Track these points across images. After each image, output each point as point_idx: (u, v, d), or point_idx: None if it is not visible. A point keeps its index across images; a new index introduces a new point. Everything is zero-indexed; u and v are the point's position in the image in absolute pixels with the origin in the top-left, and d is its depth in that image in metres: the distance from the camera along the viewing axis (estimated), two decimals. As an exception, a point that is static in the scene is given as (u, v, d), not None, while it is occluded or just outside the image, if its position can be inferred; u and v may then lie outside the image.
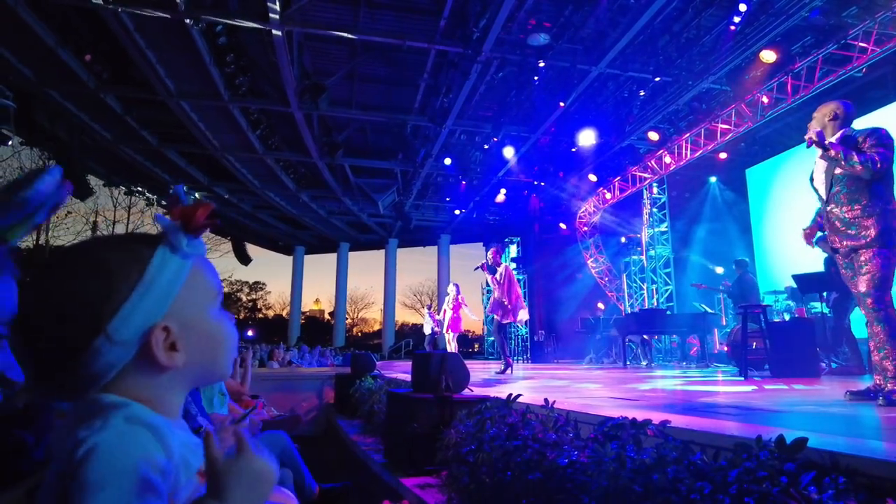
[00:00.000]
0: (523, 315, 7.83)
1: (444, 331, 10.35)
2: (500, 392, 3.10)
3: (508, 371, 7.55)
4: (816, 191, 3.57)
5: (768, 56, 8.84)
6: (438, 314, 10.47)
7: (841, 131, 3.42)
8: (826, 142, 3.34)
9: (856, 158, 3.19)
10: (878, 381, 3.17)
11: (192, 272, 0.81)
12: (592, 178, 14.74)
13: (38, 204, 1.66)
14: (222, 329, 0.85)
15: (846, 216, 3.30)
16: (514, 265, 18.85)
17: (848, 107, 3.49)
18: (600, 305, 15.75)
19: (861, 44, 8.07)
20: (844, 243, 3.30)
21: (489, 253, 8.02)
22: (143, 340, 0.75)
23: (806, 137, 3.42)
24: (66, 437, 0.71)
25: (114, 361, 0.74)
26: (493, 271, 7.86)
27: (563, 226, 17.43)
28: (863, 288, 3.15)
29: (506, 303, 7.68)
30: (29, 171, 1.81)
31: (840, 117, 3.45)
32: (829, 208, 3.42)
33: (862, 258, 3.20)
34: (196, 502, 0.73)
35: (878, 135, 3.25)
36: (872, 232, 3.16)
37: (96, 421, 0.71)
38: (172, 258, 0.78)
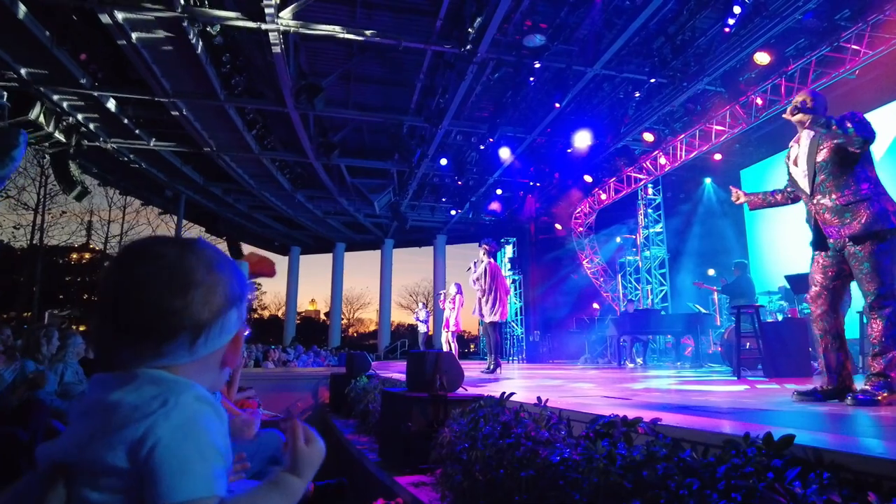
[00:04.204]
0: (495, 316, 7.64)
1: (443, 329, 10.31)
2: (494, 391, 3.12)
3: (498, 371, 7.52)
4: (796, 182, 3.45)
5: (762, 58, 8.90)
6: (445, 311, 10.34)
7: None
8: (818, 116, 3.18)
9: (849, 125, 3.01)
10: (823, 383, 3.24)
11: None
12: (588, 178, 14.79)
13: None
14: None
15: (838, 203, 3.15)
16: (509, 265, 18.88)
17: (822, 96, 3.40)
18: (595, 306, 15.80)
19: (854, 46, 8.14)
20: (841, 232, 3.13)
21: (480, 249, 7.94)
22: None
23: (789, 110, 3.28)
24: (125, 408, 0.78)
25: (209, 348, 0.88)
26: (482, 268, 7.79)
27: (558, 226, 17.49)
28: (866, 287, 3.05)
29: (483, 300, 7.64)
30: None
31: (819, 106, 3.33)
32: (815, 199, 3.27)
33: (861, 252, 3.05)
34: (280, 476, 0.90)
35: (854, 115, 3.14)
36: (865, 216, 3.05)
37: (168, 396, 0.79)
38: None
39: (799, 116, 3.24)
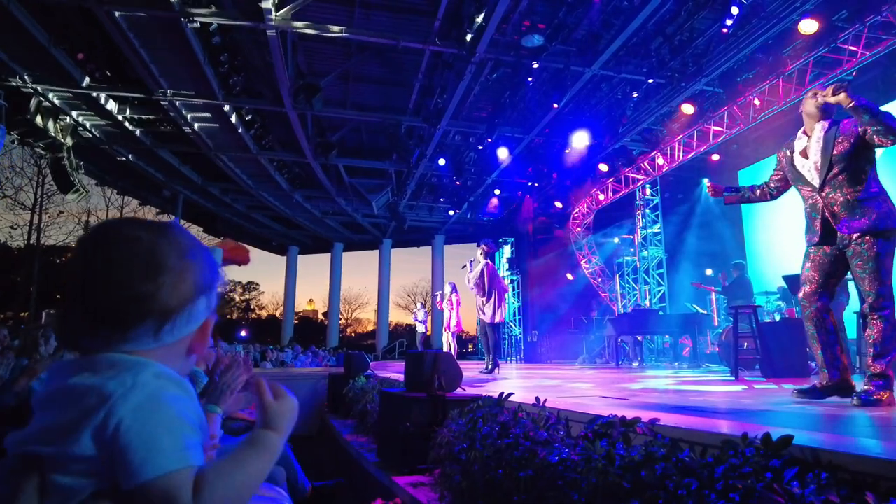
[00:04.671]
0: (497, 317, 7.67)
1: (444, 330, 10.28)
2: (493, 391, 3.12)
3: (497, 371, 7.54)
4: (801, 175, 3.37)
5: (760, 58, 8.93)
6: (445, 312, 10.33)
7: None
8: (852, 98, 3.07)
9: (884, 120, 2.94)
10: (822, 380, 3.20)
11: None
12: (586, 179, 14.80)
13: None
14: None
15: (849, 198, 3.10)
16: (507, 265, 18.89)
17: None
18: (593, 306, 15.81)
19: (851, 47, 8.15)
20: (852, 225, 3.08)
21: (478, 250, 7.95)
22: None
23: (831, 90, 3.15)
24: (83, 392, 0.77)
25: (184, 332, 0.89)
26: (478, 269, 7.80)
27: (556, 227, 17.50)
28: (867, 287, 3.02)
29: (483, 302, 7.66)
30: None
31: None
32: (825, 192, 3.20)
33: (867, 252, 3.02)
34: (256, 434, 0.89)
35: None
36: (874, 214, 3.03)
37: (126, 377, 0.78)
38: None
39: (842, 96, 3.11)
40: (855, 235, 3.09)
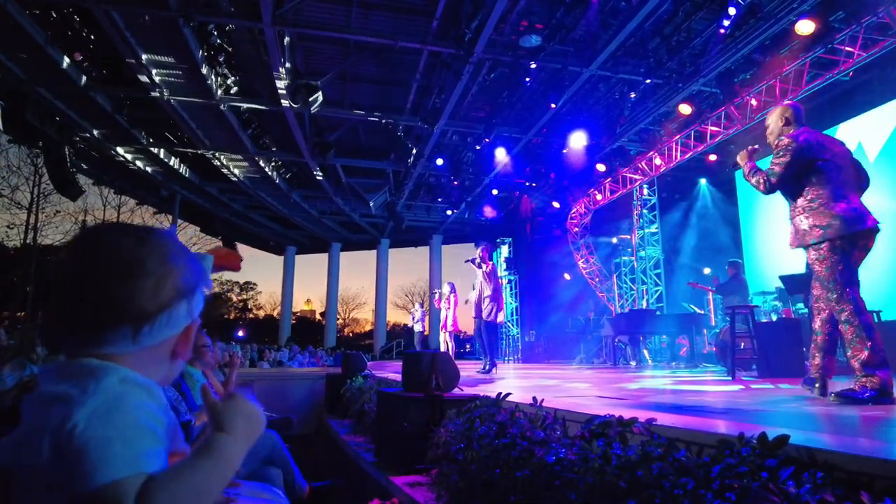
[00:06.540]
0: (492, 316, 7.78)
1: (440, 330, 10.30)
2: (490, 391, 3.12)
3: (494, 371, 7.57)
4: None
5: (757, 59, 8.94)
6: (442, 311, 10.38)
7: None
8: (748, 163, 3.56)
9: (752, 180, 3.39)
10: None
11: None
12: (583, 179, 14.82)
13: None
14: None
15: (792, 215, 3.37)
16: (505, 265, 18.91)
17: (798, 109, 3.51)
18: (591, 306, 15.83)
19: (848, 48, 8.17)
20: (792, 240, 3.37)
21: (478, 251, 8.01)
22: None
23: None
24: (51, 399, 0.76)
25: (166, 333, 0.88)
26: (481, 268, 7.87)
27: (554, 227, 17.51)
28: (815, 291, 3.21)
29: (485, 302, 7.71)
30: None
31: (791, 121, 3.46)
32: (790, 208, 3.50)
33: (809, 262, 3.26)
34: (207, 439, 0.82)
35: (783, 142, 3.31)
36: (806, 228, 3.22)
37: (89, 382, 0.77)
38: None
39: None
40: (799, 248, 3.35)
